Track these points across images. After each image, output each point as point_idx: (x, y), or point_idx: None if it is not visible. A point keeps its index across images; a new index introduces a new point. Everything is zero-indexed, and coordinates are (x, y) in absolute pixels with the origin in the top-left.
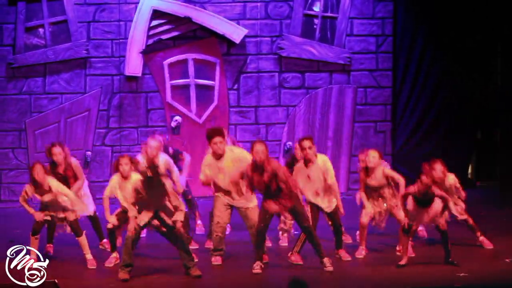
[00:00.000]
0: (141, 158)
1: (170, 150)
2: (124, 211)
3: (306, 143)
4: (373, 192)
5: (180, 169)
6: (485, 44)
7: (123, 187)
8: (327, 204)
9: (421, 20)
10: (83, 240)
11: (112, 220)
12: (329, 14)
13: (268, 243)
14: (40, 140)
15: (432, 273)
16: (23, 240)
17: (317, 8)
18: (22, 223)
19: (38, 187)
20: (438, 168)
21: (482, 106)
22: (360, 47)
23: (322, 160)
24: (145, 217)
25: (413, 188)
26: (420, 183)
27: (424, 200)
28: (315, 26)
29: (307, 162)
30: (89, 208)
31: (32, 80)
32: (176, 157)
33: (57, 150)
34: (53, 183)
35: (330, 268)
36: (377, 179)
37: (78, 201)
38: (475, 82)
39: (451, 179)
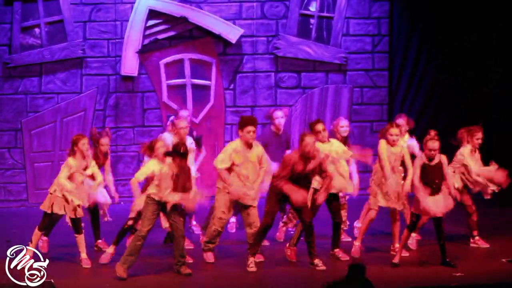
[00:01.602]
0: (168, 136)
1: (194, 133)
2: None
3: (320, 126)
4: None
5: None
6: (480, 43)
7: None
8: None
9: (417, 19)
10: (81, 238)
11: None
12: (325, 14)
13: (266, 242)
14: (36, 140)
15: (428, 272)
16: (20, 240)
17: (313, 8)
18: (18, 223)
19: (79, 162)
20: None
21: (478, 106)
22: (356, 47)
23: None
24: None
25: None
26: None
27: (433, 171)
28: (311, 26)
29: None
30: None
31: (28, 80)
32: (197, 144)
33: (105, 141)
34: (93, 162)
35: (323, 267)
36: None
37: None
38: (471, 82)
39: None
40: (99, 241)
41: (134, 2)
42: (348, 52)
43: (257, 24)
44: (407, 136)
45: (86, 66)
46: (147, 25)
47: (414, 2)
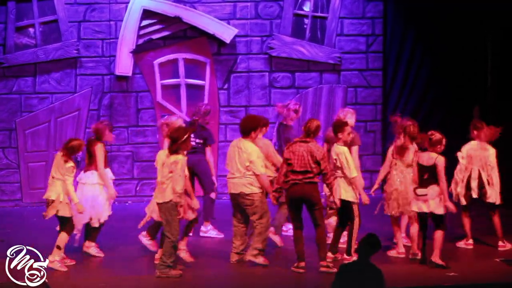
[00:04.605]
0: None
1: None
2: None
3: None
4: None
5: None
6: (474, 43)
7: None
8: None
9: (411, 19)
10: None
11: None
12: (319, 14)
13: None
14: (30, 140)
15: (422, 272)
16: (15, 240)
17: (307, 8)
18: (12, 223)
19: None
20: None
21: (471, 106)
22: (350, 47)
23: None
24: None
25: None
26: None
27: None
28: (305, 26)
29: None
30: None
31: (22, 80)
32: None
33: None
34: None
35: (302, 271)
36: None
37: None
38: (465, 82)
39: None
40: (93, 244)
41: (128, 2)
42: (342, 52)
43: (251, 24)
44: None
45: (81, 66)
46: (141, 25)
47: (408, 2)
